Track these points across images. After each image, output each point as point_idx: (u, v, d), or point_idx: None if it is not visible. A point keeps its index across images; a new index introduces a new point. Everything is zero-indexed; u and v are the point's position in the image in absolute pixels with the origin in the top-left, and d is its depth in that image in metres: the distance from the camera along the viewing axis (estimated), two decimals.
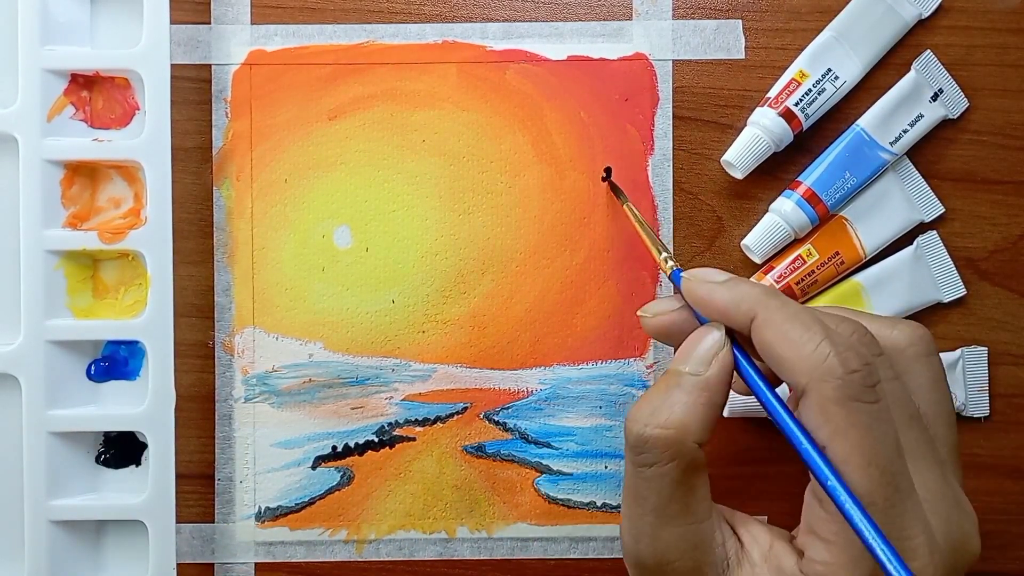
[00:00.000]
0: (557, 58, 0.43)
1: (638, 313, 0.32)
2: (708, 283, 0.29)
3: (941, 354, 0.42)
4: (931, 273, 0.42)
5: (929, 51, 0.42)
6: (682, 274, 0.31)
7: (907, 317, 0.42)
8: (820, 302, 0.41)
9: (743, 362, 0.29)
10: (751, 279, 0.29)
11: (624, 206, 0.40)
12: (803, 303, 0.41)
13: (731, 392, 0.41)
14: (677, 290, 0.32)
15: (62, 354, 0.40)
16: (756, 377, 0.28)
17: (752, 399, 0.41)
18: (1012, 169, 0.43)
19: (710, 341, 0.29)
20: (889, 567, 0.23)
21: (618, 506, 0.42)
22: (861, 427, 0.25)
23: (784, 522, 0.33)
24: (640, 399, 0.29)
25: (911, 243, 0.42)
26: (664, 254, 0.34)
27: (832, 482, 0.25)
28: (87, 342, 0.42)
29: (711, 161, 0.43)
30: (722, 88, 0.43)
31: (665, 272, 0.34)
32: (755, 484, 0.42)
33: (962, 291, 0.42)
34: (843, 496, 0.25)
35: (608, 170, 0.42)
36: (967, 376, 0.42)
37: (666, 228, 0.43)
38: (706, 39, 0.43)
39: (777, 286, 0.40)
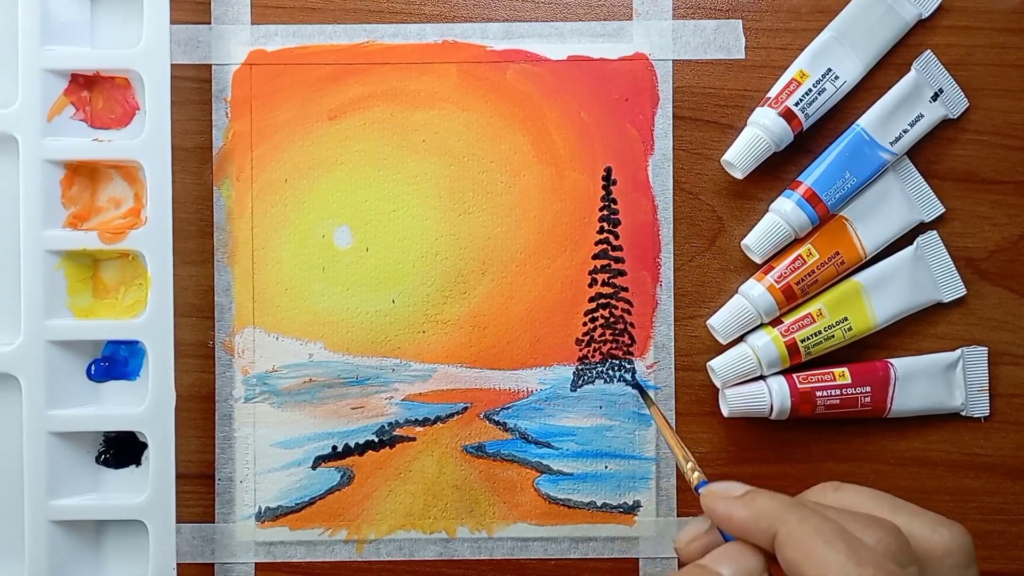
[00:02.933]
0: (557, 58, 0.43)
1: (674, 547, 0.31)
2: (726, 499, 0.28)
3: (941, 354, 0.42)
4: (931, 273, 0.42)
5: (929, 51, 0.42)
6: (701, 491, 0.30)
7: (907, 317, 0.42)
8: (820, 302, 0.41)
9: None
10: (770, 492, 0.28)
11: (651, 409, 0.40)
12: (803, 303, 0.41)
13: (731, 391, 0.41)
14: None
15: (62, 354, 0.40)
16: None
17: (751, 401, 0.41)
18: (1012, 169, 0.43)
19: (752, 566, 0.27)
20: None
21: (619, 506, 0.42)
22: None
23: None
24: None
25: (911, 243, 0.42)
26: (690, 463, 0.34)
27: None
28: (87, 342, 0.41)
29: (711, 161, 0.43)
30: (722, 88, 0.43)
31: (691, 484, 0.33)
32: (755, 484, 0.42)
33: (962, 291, 0.42)
34: None
35: (635, 382, 0.42)
36: (967, 376, 0.42)
37: (666, 228, 0.43)
38: (706, 39, 0.43)
39: (777, 286, 0.40)
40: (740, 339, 0.42)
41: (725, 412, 0.41)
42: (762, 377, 0.41)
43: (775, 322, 0.41)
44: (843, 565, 0.24)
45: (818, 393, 0.40)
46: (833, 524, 0.25)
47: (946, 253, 0.42)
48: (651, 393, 0.42)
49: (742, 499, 0.28)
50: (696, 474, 0.33)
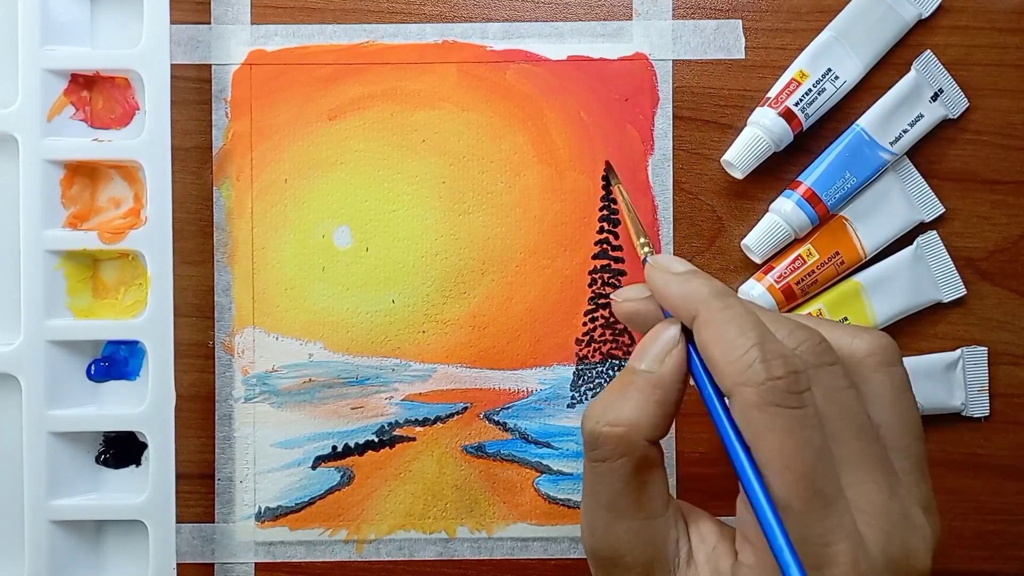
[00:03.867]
0: (557, 58, 0.43)
1: (610, 296, 0.32)
2: (665, 273, 0.29)
3: (941, 354, 0.42)
4: (931, 273, 0.42)
5: (929, 51, 0.42)
6: (648, 260, 0.30)
7: (907, 317, 0.42)
8: (820, 302, 0.41)
9: (694, 360, 0.28)
10: (708, 276, 0.29)
11: (615, 187, 0.40)
12: (802, 303, 0.41)
13: None
14: None
15: (62, 354, 0.40)
16: (703, 375, 0.27)
17: None
18: (1012, 169, 0.43)
19: (665, 338, 0.28)
20: (787, 567, 0.23)
21: None
22: (780, 431, 0.24)
23: None
24: (597, 396, 0.28)
25: (911, 243, 0.42)
26: (642, 239, 0.34)
27: (748, 483, 0.25)
28: (87, 342, 0.41)
29: (711, 161, 0.43)
30: (722, 88, 0.43)
31: (640, 256, 0.34)
32: None
33: (962, 291, 0.42)
34: (757, 496, 0.24)
35: (608, 164, 0.42)
36: (967, 376, 0.42)
37: (666, 228, 0.43)
38: (706, 39, 0.43)
39: (777, 286, 0.40)
40: None
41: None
42: None
43: None
44: (747, 350, 0.25)
45: None
46: (754, 318, 0.26)
47: (946, 253, 0.42)
48: None
49: (679, 276, 0.28)
50: (645, 249, 0.34)
